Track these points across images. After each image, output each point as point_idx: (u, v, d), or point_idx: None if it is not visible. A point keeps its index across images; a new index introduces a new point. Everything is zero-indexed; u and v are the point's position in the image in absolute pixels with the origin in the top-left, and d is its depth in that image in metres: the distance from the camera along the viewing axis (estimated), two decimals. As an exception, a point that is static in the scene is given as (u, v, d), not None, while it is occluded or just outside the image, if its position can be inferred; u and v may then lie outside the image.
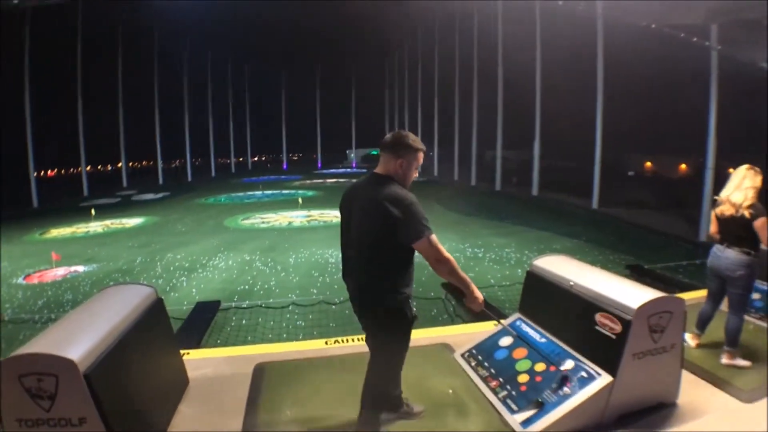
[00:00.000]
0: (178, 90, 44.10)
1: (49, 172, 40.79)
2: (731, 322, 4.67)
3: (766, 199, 4.61)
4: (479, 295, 3.29)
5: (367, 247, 3.22)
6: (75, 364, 2.77)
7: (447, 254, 3.10)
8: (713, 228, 4.89)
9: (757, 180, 4.61)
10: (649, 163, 26.89)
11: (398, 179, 3.27)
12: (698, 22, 14.45)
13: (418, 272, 3.38)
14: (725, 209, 4.69)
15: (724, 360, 4.64)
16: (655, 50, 17.06)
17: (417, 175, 3.40)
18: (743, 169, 4.69)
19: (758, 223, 4.46)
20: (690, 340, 4.97)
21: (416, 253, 3.19)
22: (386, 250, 3.12)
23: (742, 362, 4.59)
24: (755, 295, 5.64)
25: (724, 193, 4.76)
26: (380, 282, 3.18)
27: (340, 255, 3.55)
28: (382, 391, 3.46)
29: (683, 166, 24.39)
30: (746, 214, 4.50)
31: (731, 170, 4.99)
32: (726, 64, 14.86)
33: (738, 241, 4.61)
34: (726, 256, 4.68)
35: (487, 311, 3.53)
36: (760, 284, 5.66)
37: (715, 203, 4.86)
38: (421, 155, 3.37)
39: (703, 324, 4.98)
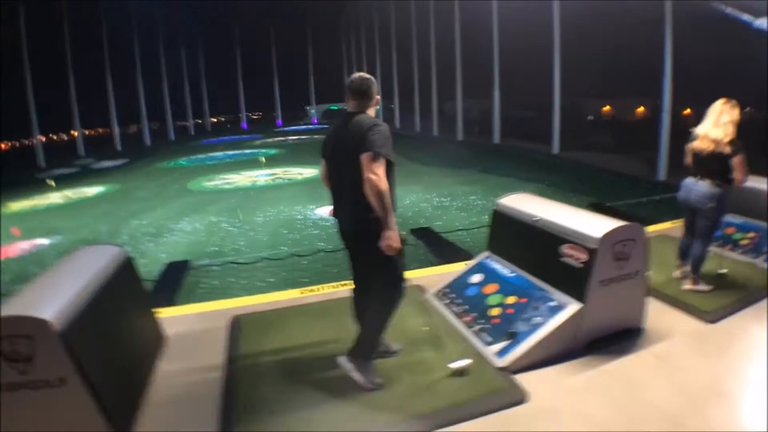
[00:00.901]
0: (130, 52, 42.54)
1: (1, 145, 39.38)
2: (695, 250, 4.85)
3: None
4: (396, 237, 3.24)
5: (350, 177, 3.29)
6: (49, 323, 2.73)
7: (384, 180, 3.13)
8: (688, 159, 4.93)
9: (735, 113, 4.62)
10: (607, 107, 27.18)
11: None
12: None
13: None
14: (703, 145, 4.71)
15: (687, 285, 4.84)
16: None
17: None
18: (719, 103, 4.69)
19: (737, 160, 4.52)
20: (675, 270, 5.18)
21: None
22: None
23: (703, 287, 4.80)
24: (729, 229, 5.88)
25: (702, 129, 4.76)
26: (367, 209, 3.25)
27: (331, 198, 3.61)
28: (384, 318, 3.50)
29: (640, 108, 24.73)
30: (727, 149, 4.54)
31: (688, 111, 5.10)
32: (680, 5, 14.98)
33: (711, 174, 4.68)
34: (698, 189, 4.77)
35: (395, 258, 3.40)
36: (734, 218, 5.88)
37: (690, 136, 4.90)
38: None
39: (683, 254, 5.12)
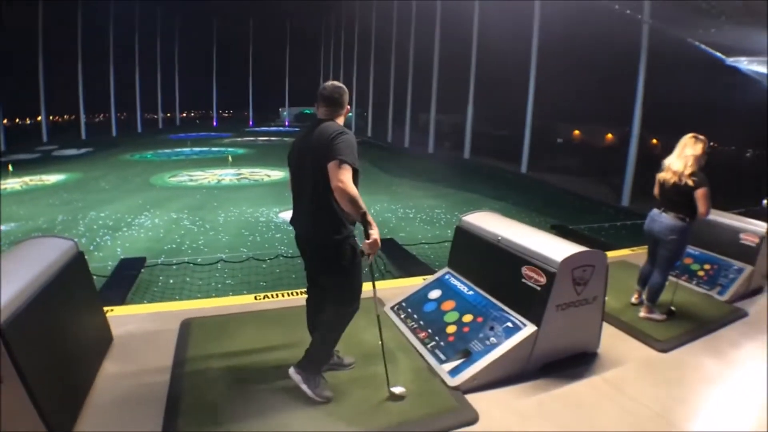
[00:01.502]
0: (103, 40, 41.72)
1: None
2: (654, 279, 4.92)
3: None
4: (377, 236, 3.18)
5: (311, 184, 3.25)
6: (-12, 318, 2.59)
7: (351, 185, 3.06)
8: (656, 190, 4.98)
9: (698, 148, 4.66)
10: (577, 132, 27.62)
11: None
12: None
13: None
14: (667, 176, 4.77)
15: (642, 313, 4.89)
16: (589, 22, 17.38)
17: None
18: (686, 137, 4.76)
19: (699, 193, 4.56)
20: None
21: None
22: (325, 185, 3.14)
23: (657, 316, 4.84)
24: (687, 260, 5.95)
25: (668, 160, 4.83)
26: (327, 218, 3.23)
27: (292, 204, 3.53)
28: (334, 335, 3.46)
29: (609, 135, 25.19)
30: (689, 182, 4.58)
31: (655, 141, 5.18)
32: (655, 38, 15.33)
33: (674, 206, 4.75)
34: (661, 221, 4.84)
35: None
36: (692, 249, 5.96)
37: (660, 166, 4.95)
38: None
39: (643, 281, 5.17)
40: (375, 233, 3.13)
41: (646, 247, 5.28)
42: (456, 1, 26.37)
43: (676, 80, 15.93)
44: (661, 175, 4.87)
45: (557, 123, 27.02)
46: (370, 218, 3.11)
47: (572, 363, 3.96)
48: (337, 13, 46.95)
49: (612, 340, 4.38)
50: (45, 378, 2.92)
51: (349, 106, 3.48)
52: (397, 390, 3.42)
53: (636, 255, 6.70)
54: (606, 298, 4.08)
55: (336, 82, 3.47)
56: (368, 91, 40.38)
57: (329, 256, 3.30)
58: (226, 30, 54.78)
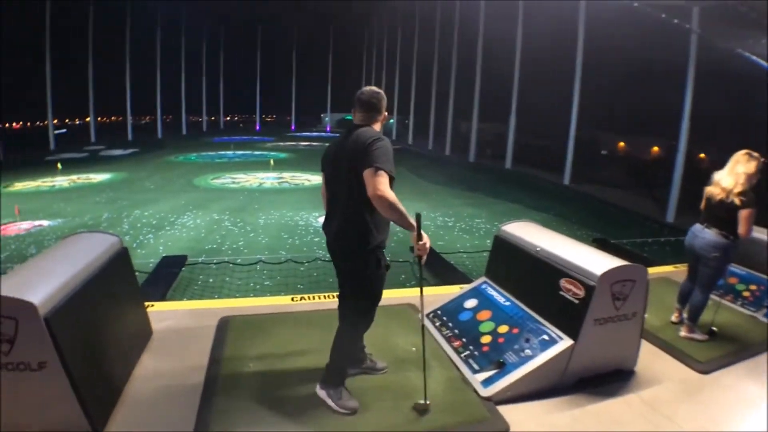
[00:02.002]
0: (151, 45, 42.89)
1: (14, 124, 39.56)
2: (695, 298, 4.76)
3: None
4: (426, 238, 3.18)
5: (345, 191, 3.25)
6: (35, 307, 2.72)
7: (389, 193, 3.02)
8: (704, 204, 4.81)
9: (751, 166, 4.48)
10: (622, 144, 27.09)
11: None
12: (680, 2, 14.50)
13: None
14: (715, 191, 4.61)
15: (683, 333, 4.75)
16: (636, 30, 17.06)
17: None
18: (739, 154, 4.58)
19: (743, 213, 4.39)
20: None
21: None
22: (359, 192, 3.12)
23: (698, 336, 4.70)
24: (732, 279, 5.77)
25: (717, 175, 4.67)
26: (356, 226, 3.22)
27: (325, 209, 3.54)
28: (350, 341, 3.46)
29: (655, 148, 24.62)
30: (736, 201, 4.42)
31: (702, 155, 5.06)
32: (705, 48, 14.96)
33: (718, 223, 4.58)
34: (703, 237, 4.68)
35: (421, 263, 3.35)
36: (737, 268, 5.79)
37: (709, 180, 4.78)
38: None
39: (683, 299, 5.03)
40: (425, 235, 3.14)
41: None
42: (500, 8, 26.20)
43: (725, 92, 15.48)
44: (709, 189, 4.70)
45: (602, 134, 26.54)
46: (412, 220, 3.09)
47: (608, 380, 3.87)
48: (379, 20, 47.16)
49: (650, 358, 4.27)
50: (86, 367, 3.03)
51: (387, 113, 3.45)
52: (422, 402, 3.39)
53: (679, 272, 6.50)
54: (646, 315, 3.99)
55: (374, 87, 3.44)
56: (410, 99, 40.39)
57: (354, 265, 3.29)
58: (271, 36, 55.61)
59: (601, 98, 21.61)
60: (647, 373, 4.05)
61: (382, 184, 3.02)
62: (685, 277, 5.11)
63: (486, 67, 29.20)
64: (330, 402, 3.39)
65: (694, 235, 4.81)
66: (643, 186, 19.76)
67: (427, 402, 3.37)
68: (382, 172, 3.04)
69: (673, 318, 5.07)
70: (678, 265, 6.88)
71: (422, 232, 3.15)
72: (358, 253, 3.25)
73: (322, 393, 3.45)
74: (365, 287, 3.34)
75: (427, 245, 3.17)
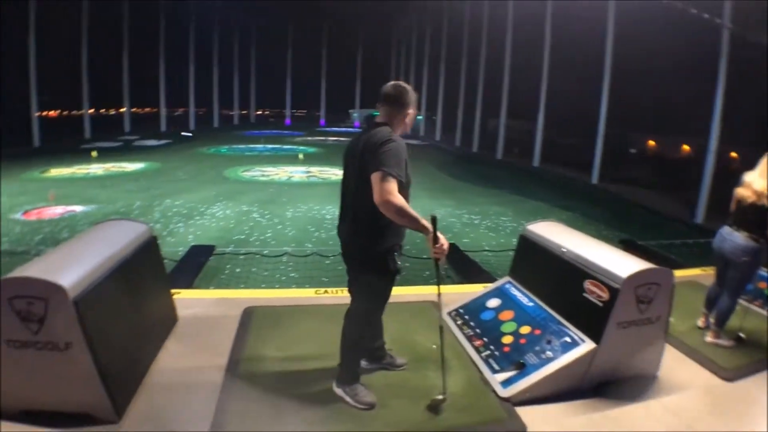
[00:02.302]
0: (185, 39, 43.38)
1: (51, 112, 40.35)
2: (723, 303, 4.65)
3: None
4: (443, 240, 3.13)
5: (352, 190, 3.25)
6: (65, 289, 2.82)
7: (397, 198, 2.96)
8: (734, 205, 4.69)
9: None
10: (651, 142, 26.64)
11: (394, 127, 3.28)
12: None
13: (411, 234, 3.34)
14: (746, 194, 4.48)
15: (708, 338, 4.67)
16: (665, 27, 16.73)
17: (413, 119, 3.41)
18: None
19: None
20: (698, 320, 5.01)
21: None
22: (367, 194, 3.07)
23: (725, 342, 4.62)
24: (761, 284, 5.63)
25: (749, 176, 4.54)
26: (365, 229, 3.21)
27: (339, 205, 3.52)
28: (354, 339, 3.48)
29: (686, 147, 24.14)
30: (767, 203, 4.32)
31: (733, 154, 4.95)
32: (737, 45, 14.63)
33: (749, 225, 4.45)
34: (733, 240, 4.55)
35: (442, 267, 3.34)
36: (767, 272, 5.64)
37: (739, 180, 4.66)
38: (414, 107, 3.37)
39: (710, 303, 4.93)
40: (441, 237, 3.09)
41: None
42: (529, 5, 25.94)
43: (759, 89, 15.07)
44: (740, 191, 4.57)
45: (631, 132, 26.14)
46: (425, 223, 3.04)
47: (630, 384, 3.82)
48: (408, 16, 47.03)
49: (674, 363, 4.21)
50: (111, 350, 3.13)
51: (413, 110, 3.34)
52: (439, 397, 3.39)
53: (707, 275, 6.36)
54: (671, 319, 3.95)
55: (399, 81, 3.37)
56: (438, 95, 40.25)
57: (362, 268, 3.31)
58: (301, 33, 55.83)
59: (630, 95, 21.29)
60: (670, 378, 4.00)
61: (387, 190, 2.94)
62: (713, 281, 5.01)
63: (514, 64, 28.93)
64: (347, 398, 3.43)
65: (722, 238, 4.69)
66: (673, 186, 19.42)
67: (444, 396, 3.36)
68: (389, 177, 2.96)
69: (700, 323, 4.98)
70: (706, 269, 6.77)
71: (439, 233, 3.10)
72: (366, 258, 3.25)
73: (338, 391, 3.50)
74: (372, 292, 3.36)
75: (445, 247, 3.13)
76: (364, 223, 3.19)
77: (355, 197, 3.21)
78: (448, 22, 37.81)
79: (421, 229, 3.05)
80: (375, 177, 2.99)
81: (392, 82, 3.36)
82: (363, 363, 3.76)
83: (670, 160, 23.89)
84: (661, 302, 3.73)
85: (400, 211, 2.96)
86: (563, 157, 25.45)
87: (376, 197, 2.97)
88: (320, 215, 12.92)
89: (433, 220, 3.11)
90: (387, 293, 3.38)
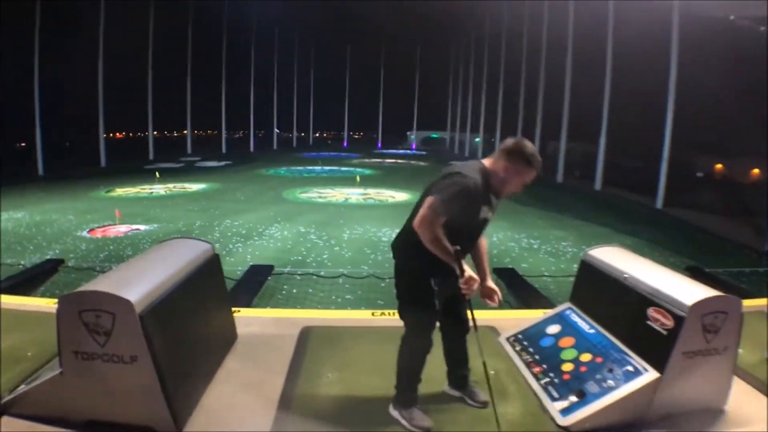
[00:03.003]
0: (246, 63, 44.88)
1: (117, 134, 42.25)
2: None
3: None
4: (474, 275, 3.12)
5: (414, 209, 3.30)
6: (132, 304, 2.93)
7: (432, 228, 3.01)
8: None
9: None
10: (719, 166, 25.71)
11: (493, 176, 3.27)
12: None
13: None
14: None
15: None
16: (732, 46, 16.23)
17: (517, 191, 3.38)
18: None
19: None
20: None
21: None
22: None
23: None
24: None
25: None
26: (406, 246, 3.30)
27: None
28: (406, 362, 3.50)
29: (756, 171, 23.18)
30: None
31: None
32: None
33: None
34: None
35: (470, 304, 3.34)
36: None
37: None
38: (531, 173, 3.30)
39: None
40: (468, 272, 3.07)
41: None
42: (589, 25, 25.64)
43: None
44: None
45: (697, 155, 25.32)
46: (456, 264, 3.05)
47: (695, 417, 3.65)
48: (467, 38, 47.19)
49: (742, 396, 3.96)
50: (173, 364, 3.22)
51: (511, 174, 3.25)
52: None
53: (779, 305, 6.10)
54: (739, 351, 3.77)
55: (524, 141, 3.28)
56: (496, 117, 40.08)
57: (402, 284, 3.41)
58: (359, 55, 56.87)
59: (696, 116, 20.68)
60: (738, 412, 3.78)
61: (427, 218, 3.01)
62: None
63: (575, 85, 28.58)
64: (403, 421, 3.43)
65: None
66: (742, 211, 18.65)
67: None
68: (437, 206, 3.01)
69: (766, 355, 4.74)
70: (778, 299, 6.45)
71: (466, 268, 3.09)
72: (406, 274, 3.37)
73: (394, 413, 3.49)
74: (412, 309, 3.43)
75: (472, 283, 3.11)
76: (409, 241, 3.22)
77: (411, 216, 3.26)
78: (506, 44, 37.74)
79: (451, 262, 3.07)
80: (426, 201, 3.07)
81: (519, 139, 3.30)
82: (446, 388, 3.82)
83: (738, 184, 23.00)
84: (728, 332, 3.56)
85: (432, 242, 3.02)
86: (627, 181, 24.83)
87: (416, 221, 3.06)
88: (376, 237, 12.99)
89: (456, 253, 3.06)
90: (430, 316, 3.40)
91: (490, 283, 3.62)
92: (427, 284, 3.27)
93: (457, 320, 3.61)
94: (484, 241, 3.67)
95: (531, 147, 3.25)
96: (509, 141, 3.29)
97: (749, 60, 15.76)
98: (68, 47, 28.18)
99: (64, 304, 2.99)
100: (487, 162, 3.32)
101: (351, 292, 8.74)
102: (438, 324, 3.57)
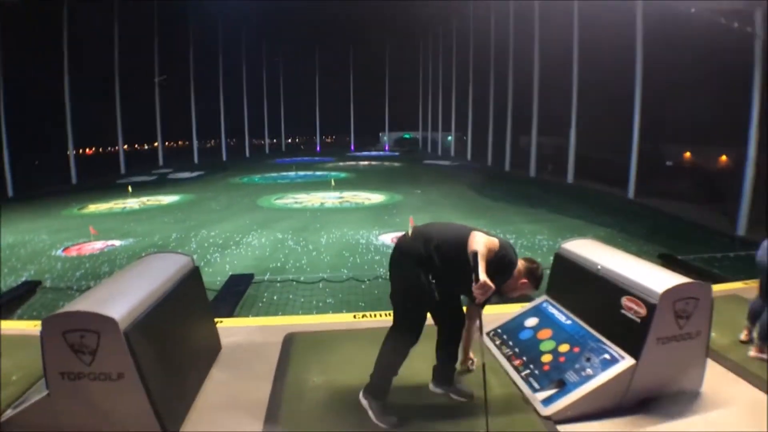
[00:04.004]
0: (214, 70, 44.52)
1: (87, 150, 41.63)
2: (767, 316, 4.58)
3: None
4: (487, 281, 3.11)
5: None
6: (116, 322, 2.95)
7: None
8: None
9: None
10: (688, 154, 26.19)
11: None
12: (741, 6, 14.04)
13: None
14: None
15: (752, 353, 4.57)
16: (696, 37, 16.55)
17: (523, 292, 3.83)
18: None
19: None
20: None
21: None
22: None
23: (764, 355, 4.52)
24: None
25: None
26: (417, 253, 3.48)
27: None
28: (386, 357, 3.57)
29: (723, 157, 23.67)
30: None
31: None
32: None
33: None
34: None
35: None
36: None
37: None
38: (527, 286, 3.76)
39: (753, 317, 4.81)
40: (484, 276, 3.10)
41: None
42: (554, 21, 25.96)
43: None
44: None
45: (666, 144, 25.75)
46: (483, 263, 3.14)
47: (671, 401, 3.77)
48: (435, 38, 47.44)
49: (716, 379, 4.11)
50: (161, 378, 3.25)
51: (527, 280, 3.79)
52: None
53: (749, 288, 6.20)
54: (712, 334, 3.90)
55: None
56: (468, 115, 40.35)
57: (403, 286, 3.50)
58: (328, 59, 56.77)
59: (663, 107, 21.06)
60: (713, 394, 3.92)
61: (487, 246, 3.30)
62: (756, 294, 4.93)
63: (544, 80, 28.90)
64: (370, 413, 3.51)
65: (765, 250, 4.66)
66: (712, 198, 19.04)
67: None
68: (491, 252, 3.34)
69: (742, 337, 4.86)
70: (748, 282, 6.61)
71: (482, 273, 3.12)
72: (402, 276, 3.50)
73: (364, 402, 3.58)
74: (404, 307, 3.51)
75: (486, 289, 3.14)
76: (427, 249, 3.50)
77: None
78: (474, 42, 37.99)
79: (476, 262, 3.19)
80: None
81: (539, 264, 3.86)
82: (431, 386, 3.91)
83: (707, 172, 23.46)
84: (700, 317, 3.69)
85: (486, 246, 3.28)
86: (598, 173, 25.17)
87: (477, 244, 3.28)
88: (354, 240, 13.02)
89: (474, 257, 3.17)
90: (420, 314, 3.51)
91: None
92: (424, 287, 3.41)
93: (453, 319, 3.72)
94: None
95: (538, 266, 3.83)
96: (536, 266, 3.82)
97: (714, 50, 16.10)
98: (31, 62, 27.69)
99: (48, 327, 2.99)
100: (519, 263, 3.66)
101: (332, 296, 8.79)
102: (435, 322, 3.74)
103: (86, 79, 31.22)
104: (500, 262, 3.38)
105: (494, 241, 3.37)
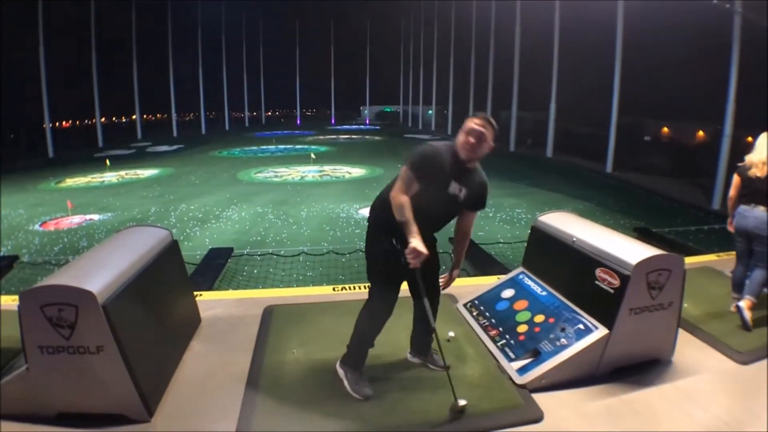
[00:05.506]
0: (193, 43, 43.78)
1: (63, 123, 40.87)
2: (757, 274, 4.68)
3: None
4: (419, 247, 3.05)
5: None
6: (94, 295, 2.93)
7: (401, 195, 3.15)
8: (733, 192, 4.92)
9: None
10: (665, 129, 26.42)
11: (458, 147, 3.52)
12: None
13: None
14: (757, 170, 4.67)
15: (743, 303, 4.59)
16: (676, 13, 16.63)
17: (467, 143, 3.52)
18: (766, 135, 4.71)
19: None
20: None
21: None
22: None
23: (749, 314, 4.57)
24: None
25: (754, 157, 4.72)
26: (374, 217, 3.47)
27: None
28: (361, 328, 3.58)
29: (700, 133, 23.93)
30: None
31: (750, 139, 4.98)
32: (749, 29, 14.51)
33: (766, 200, 4.62)
34: (754, 216, 4.70)
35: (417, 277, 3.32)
36: None
37: (738, 168, 4.86)
38: (469, 123, 3.56)
39: (739, 286, 4.90)
40: (414, 242, 3.05)
41: (734, 252, 5.07)
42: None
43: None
44: (750, 172, 4.72)
45: (644, 119, 25.95)
46: (410, 227, 3.10)
47: (644, 369, 3.87)
48: (416, 11, 47.02)
49: (688, 348, 4.22)
50: (140, 351, 3.25)
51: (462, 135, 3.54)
52: (461, 402, 3.28)
53: (722, 261, 6.36)
54: (685, 305, 3.99)
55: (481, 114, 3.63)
56: (448, 88, 40.23)
57: (368, 254, 3.51)
58: (309, 31, 56.11)
59: (642, 82, 21.19)
60: (685, 363, 4.02)
61: (398, 188, 3.20)
62: (736, 265, 5.03)
63: (524, 55, 28.86)
64: (346, 383, 3.55)
65: (743, 216, 4.80)
66: (688, 173, 19.29)
67: (465, 403, 3.30)
68: (404, 172, 3.22)
69: (732, 309, 4.86)
70: (721, 254, 6.75)
71: (414, 239, 3.07)
72: (372, 247, 3.47)
73: (340, 371, 3.62)
74: (376, 278, 3.50)
75: (416, 254, 3.07)
76: (376, 212, 3.47)
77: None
78: (455, 15, 37.74)
79: (409, 233, 3.11)
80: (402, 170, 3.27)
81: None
82: (408, 356, 3.95)
83: (684, 146, 23.72)
84: (672, 288, 3.77)
85: (398, 207, 3.16)
86: (577, 147, 25.35)
87: (392, 190, 3.24)
88: (335, 214, 13.05)
89: (407, 224, 3.12)
90: (392, 285, 3.46)
91: (454, 272, 3.81)
92: (388, 256, 3.30)
93: (429, 290, 3.61)
94: (469, 231, 3.76)
95: (476, 118, 3.57)
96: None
97: (691, 26, 16.18)
98: (5, 35, 26.96)
99: (25, 300, 2.96)
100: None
101: (312, 269, 8.83)
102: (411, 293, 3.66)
103: (63, 49, 30.53)
104: (419, 164, 3.23)
105: (404, 173, 3.22)
